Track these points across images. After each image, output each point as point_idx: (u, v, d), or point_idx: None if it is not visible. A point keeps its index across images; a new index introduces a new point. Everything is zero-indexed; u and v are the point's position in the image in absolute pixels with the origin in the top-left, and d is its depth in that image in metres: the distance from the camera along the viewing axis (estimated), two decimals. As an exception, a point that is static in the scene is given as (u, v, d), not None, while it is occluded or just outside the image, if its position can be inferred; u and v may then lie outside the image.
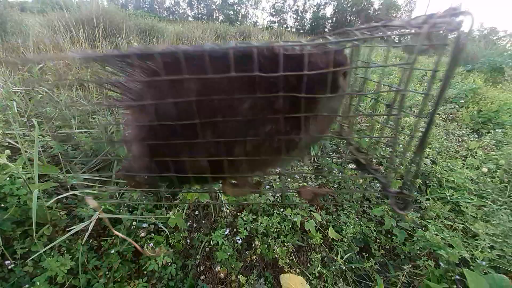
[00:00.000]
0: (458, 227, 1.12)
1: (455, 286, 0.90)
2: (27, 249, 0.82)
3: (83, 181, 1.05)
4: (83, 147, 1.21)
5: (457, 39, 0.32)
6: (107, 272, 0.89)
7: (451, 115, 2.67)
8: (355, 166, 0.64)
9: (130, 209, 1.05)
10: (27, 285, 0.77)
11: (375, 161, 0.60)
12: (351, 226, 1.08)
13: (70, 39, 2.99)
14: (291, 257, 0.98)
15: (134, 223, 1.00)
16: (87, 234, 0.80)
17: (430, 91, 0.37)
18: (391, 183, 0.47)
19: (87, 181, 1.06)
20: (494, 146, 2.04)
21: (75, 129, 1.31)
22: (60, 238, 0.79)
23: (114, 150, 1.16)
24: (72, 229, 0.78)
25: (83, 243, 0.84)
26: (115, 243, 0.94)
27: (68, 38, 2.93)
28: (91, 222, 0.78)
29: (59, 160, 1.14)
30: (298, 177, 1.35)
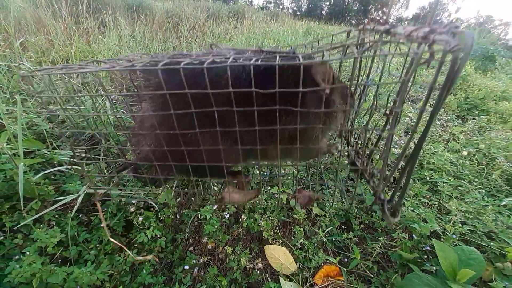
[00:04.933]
0: (434, 204, 1.19)
1: (425, 256, 0.97)
2: (16, 222, 0.84)
3: (70, 158, 1.05)
4: (70, 125, 1.19)
5: (453, 62, 0.30)
6: (97, 245, 0.92)
7: (439, 101, 2.72)
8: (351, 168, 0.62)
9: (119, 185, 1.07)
10: (17, 256, 0.79)
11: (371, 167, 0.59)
12: (334, 203, 1.13)
13: (52, 14, 2.83)
14: (275, 230, 1.03)
15: (124, 198, 1.02)
16: (75, 207, 0.81)
17: (425, 107, 0.36)
18: (382, 191, 0.49)
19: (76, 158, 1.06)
20: (476, 132, 2.11)
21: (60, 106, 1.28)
22: (48, 209, 0.80)
23: (103, 129, 1.15)
24: (61, 199, 0.79)
25: (72, 217, 0.85)
26: (105, 218, 0.96)
27: (50, 13, 2.78)
28: (79, 195, 0.79)
29: (46, 138, 1.12)
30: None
